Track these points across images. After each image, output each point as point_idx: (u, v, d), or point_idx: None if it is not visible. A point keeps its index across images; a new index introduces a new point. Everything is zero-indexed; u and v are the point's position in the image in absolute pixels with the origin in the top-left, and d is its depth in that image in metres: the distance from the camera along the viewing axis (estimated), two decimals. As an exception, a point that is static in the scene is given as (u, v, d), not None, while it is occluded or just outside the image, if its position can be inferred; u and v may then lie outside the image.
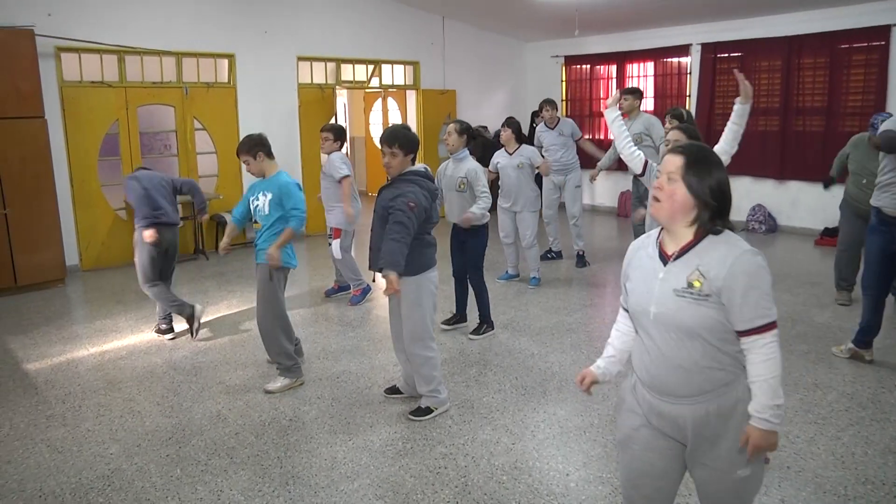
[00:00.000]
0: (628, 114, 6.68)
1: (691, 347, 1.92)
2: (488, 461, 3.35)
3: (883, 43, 8.08)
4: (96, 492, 3.15)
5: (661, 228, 2.05)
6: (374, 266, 3.83)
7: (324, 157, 6.23)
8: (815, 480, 3.11)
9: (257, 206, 4.27)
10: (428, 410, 3.84)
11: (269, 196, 4.21)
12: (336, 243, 5.94)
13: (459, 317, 5.38)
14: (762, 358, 1.88)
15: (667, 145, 3.94)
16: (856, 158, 5.56)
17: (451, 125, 5.07)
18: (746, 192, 9.29)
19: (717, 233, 1.93)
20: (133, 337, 5.30)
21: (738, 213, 9.20)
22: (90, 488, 3.18)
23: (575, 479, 3.18)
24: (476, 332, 5.17)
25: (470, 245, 5.08)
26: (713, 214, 1.92)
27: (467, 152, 5.09)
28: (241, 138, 8.33)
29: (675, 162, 1.94)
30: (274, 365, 4.43)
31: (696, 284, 1.89)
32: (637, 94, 6.88)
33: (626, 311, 2.22)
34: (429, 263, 3.80)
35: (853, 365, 4.49)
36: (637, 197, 6.55)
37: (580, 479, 3.18)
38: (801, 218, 8.95)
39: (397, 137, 3.69)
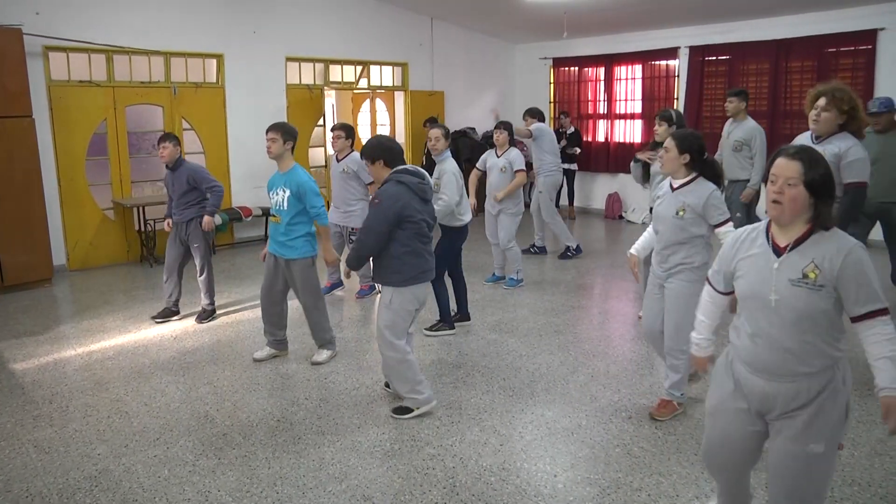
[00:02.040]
0: (733, 116, 6.29)
1: (801, 331, 2.10)
2: (476, 462, 3.36)
3: (869, 47, 8.17)
4: (83, 492, 3.14)
5: (768, 222, 2.22)
6: (379, 279, 3.83)
7: (315, 155, 6.27)
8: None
9: (276, 200, 4.53)
10: (408, 409, 3.85)
11: (288, 193, 4.45)
12: None
13: (462, 314, 5.43)
14: (881, 337, 2.05)
15: (659, 158, 3.91)
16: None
17: (438, 130, 5.19)
18: (734, 194, 9.34)
19: (827, 228, 2.10)
20: (121, 337, 5.27)
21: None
22: (77, 489, 3.17)
23: (563, 480, 3.19)
24: (431, 329, 5.23)
25: (437, 245, 4.98)
26: (830, 204, 2.10)
27: (449, 153, 5.20)
28: (229, 139, 8.42)
29: (794, 168, 2.08)
30: (262, 359, 4.76)
31: (812, 276, 2.07)
32: (743, 95, 6.26)
33: (719, 291, 2.44)
34: (411, 278, 3.72)
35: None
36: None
37: (568, 480, 3.19)
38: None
39: (364, 152, 3.86)
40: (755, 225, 2.31)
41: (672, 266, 3.57)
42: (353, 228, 6.05)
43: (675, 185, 3.58)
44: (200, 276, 5.55)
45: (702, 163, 3.52)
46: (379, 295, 6.03)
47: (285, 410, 3.97)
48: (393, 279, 3.71)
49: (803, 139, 4.20)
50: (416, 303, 3.80)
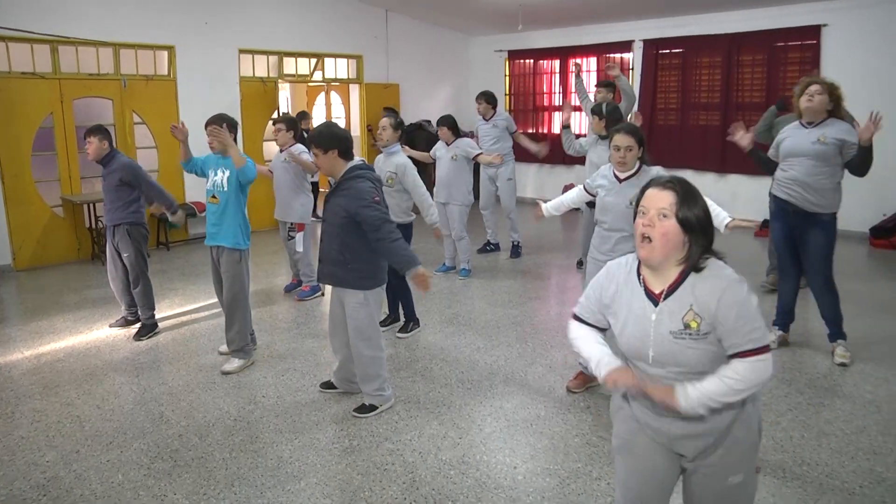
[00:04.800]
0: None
1: (692, 378, 1.89)
2: (435, 456, 3.36)
3: (815, 42, 8.41)
4: (31, 502, 3.05)
5: (639, 262, 2.01)
6: (324, 279, 3.78)
7: (269, 148, 6.21)
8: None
9: (215, 181, 4.38)
10: (372, 408, 3.83)
11: (228, 172, 4.34)
12: (300, 237, 5.94)
13: (393, 317, 5.31)
14: (740, 366, 1.85)
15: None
16: None
17: (386, 119, 5.01)
18: (688, 186, 9.52)
19: (700, 269, 1.90)
20: (72, 338, 5.13)
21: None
22: (24, 499, 3.07)
23: (522, 471, 3.22)
24: (403, 330, 5.13)
25: None
26: (704, 245, 1.90)
27: (398, 147, 5.06)
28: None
29: (666, 198, 1.89)
30: (226, 355, 4.60)
31: (693, 325, 1.87)
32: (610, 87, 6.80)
33: (588, 324, 2.17)
34: (383, 279, 3.78)
35: (791, 352, 4.66)
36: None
37: (527, 471, 3.22)
38: (741, 210, 9.21)
39: (312, 138, 3.67)
40: (628, 261, 2.08)
41: (620, 254, 3.64)
42: (291, 224, 6.00)
43: (622, 177, 3.69)
44: (135, 288, 5.12)
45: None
46: (321, 296, 6.06)
47: (242, 409, 3.91)
48: (367, 284, 3.67)
49: (793, 126, 4.44)
50: (381, 292, 3.81)
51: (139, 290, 5.14)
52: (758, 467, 2.06)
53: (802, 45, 8.55)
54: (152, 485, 3.15)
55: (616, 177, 3.71)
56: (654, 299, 1.94)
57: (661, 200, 1.89)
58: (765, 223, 8.52)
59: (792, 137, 4.40)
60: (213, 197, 4.42)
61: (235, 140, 4.52)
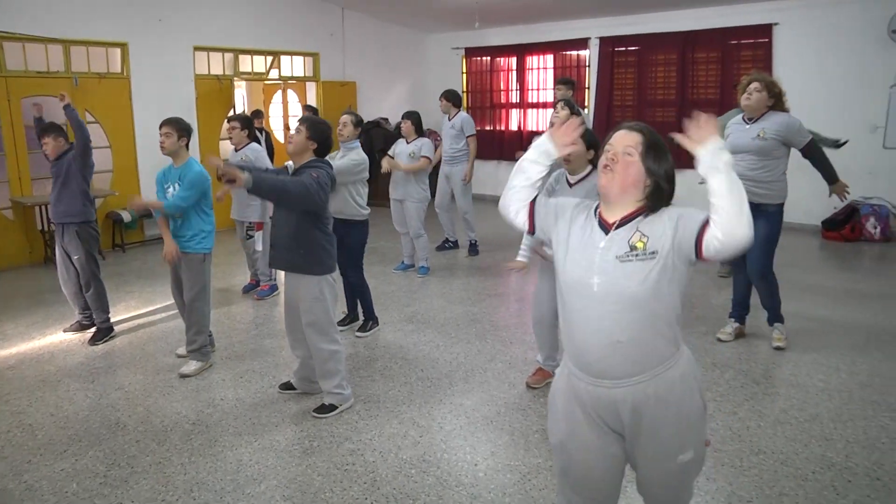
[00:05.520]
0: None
1: (631, 319, 1.87)
2: (396, 455, 3.37)
3: (767, 40, 8.63)
4: (-18, 512, 2.98)
5: (598, 203, 2.03)
6: (275, 264, 3.84)
7: (226, 146, 6.16)
8: (714, 455, 3.29)
9: (170, 193, 4.37)
10: (332, 407, 3.82)
11: (178, 186, 4.32)
12: (258, 236, 5.90)
13: (352, 316, 5.29)
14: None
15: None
16: None
17: (347, 116, 5.05)
18: (645, 181, 9.69)
19: (657, 210, 1.92)
20: (23, 344, 5.01)
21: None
22: (-25, 509, 3.01)
23: (483, 468, 3.25)
24: (363, 329, 5.12)
25: (348, 241, 4.86)
26: (665, 197, 1.93)
27: (358, 143, 5.08)
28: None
29: (633, 138, 1.93)
30: (184, 358, 4.53)
31: (640, 245, 1.87)
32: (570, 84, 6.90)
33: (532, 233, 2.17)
34: (334, 266, 3.79)
35: (747, 343, 4.79)
36: None
37: (488, 468, 3.25)
38: (698, 205, 9.37)
39: (307, 119, 3.78)
40: (588, 202, 2.11)
41: None
42: (250, 223, 5.95)
43: (573, 181, 3.66)
44: (87, 291, 5.00)
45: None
46: (280, 294, 6.02)
47: (201, 413, 3.87)
48: (318, 269, 3.70)
49: (736, 121, 4.60)
50: (334, 280, 3.81)
51: (91, 294, 5.03)
52: (707, 441, 2.06)
53: (755, 43, 8.78)
54: (108, 493, 3.10)
55: (567, 181, 3.72)
56: (606, 229, 1.95)
57: (627, 139, 1.93)
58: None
59: (734, 134, 4.54)
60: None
61: (189, 143, 4.48)
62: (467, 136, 7.31)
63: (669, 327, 1.92)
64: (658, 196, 1.92)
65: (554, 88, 7.37)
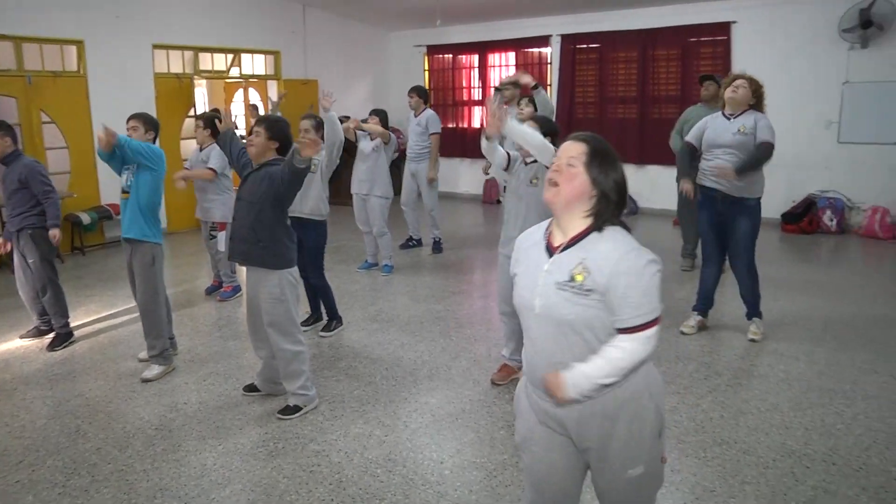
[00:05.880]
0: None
1: (571, 343, 1.85)
2: (362, 455, 3.37)
3: (725, 38, 8.79)
4: (-66, 527, 2.90)
5: (551, 221, 2.01)
6: (234, 257, 3.81)
7: (189, 146, 6.09)
8: (679, 447, 3.36)
9: (127, 175, 4.30)
10: (297, 409, 3.80)
11: (135, 166, 4.25)
12: (222, 236, 5.82)
13: (316, 316, 5.27)
14: (626, 344, 1.80)
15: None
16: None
17: (307, 121, 5.03)
18: (608, 177, 9.79)
19: (602, 229, 1.88)
20: (-23, 351, 4.89)
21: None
22: (-73, 523, 2.92)
23: (449, 465, 3.26)
24: (326, 329, 5.10)
25: (307, 243, 4.83)
26: (613, 209, 1.89)
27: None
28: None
29: (577, 148, 1.90)
30: (146, 362, 4.45)
31: (578, 278, 1.82)
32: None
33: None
34: (293, 260, 3.78)
35: (709, 336, 4.89)
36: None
37: (454, 465, 3.26)
38: (660, 200, 9.54)
39: (265, 120, 3.76)
40: (541, 224, 2.08)
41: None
42: (213, 223, 5.89)
43: (528, 161, 3.85)
44: (43, 296, 4.88)
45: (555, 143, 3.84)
46: (243, 295, 5.95)
47: (164, 417, 3.82)
48: (277, 262, 3.68)
49: (716, 116, 4.66)
50: (295, 280, 3.79)
51: (48, 299, 4.91)
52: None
53: (714, 40, 8.94)
54: None
55: (523, 160, 3.88)
56: (552, 252, 1.93)
57: (572, 150, 1.91)
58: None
59: (714, 128, 4.61)
60: (124, 192, 4.34)
61: (156, 138, 4.46)
62: (431, 134, 7.32)
63: None
64: (605, 208, 1.88)
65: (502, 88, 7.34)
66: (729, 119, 4.56)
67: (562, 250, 1.90)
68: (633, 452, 1.92)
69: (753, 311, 4.85)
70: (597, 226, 1.88)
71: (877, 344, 4.69)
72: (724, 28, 8.77)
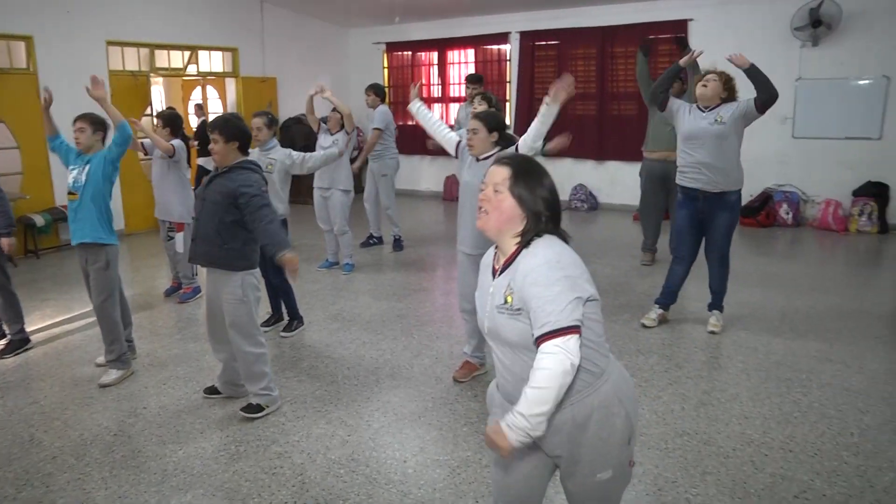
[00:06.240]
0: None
1: (525, 361, 1.86)
2: (325, 456, 3.34)
3: (683, 35, 8.87)
4: None
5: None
6: (196, 259, 3.73)
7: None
8: (641, 440, 3.39)
9: (75, 177, 4.17)
10: (259, 408, 3.76)
11: (88, 167, 4.13)
12: (180, 237, 5.74)
13: (277, 317, 5.22)
14: (543, 361, 1.74)
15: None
16: None
17: (258, 119, 4.98)
18: (568, 173, 9.89)
19: (529, 244, 1.89)
20: (-76, 360, 4.72)
21: (562, 192, 9.77)
22: None
23: (412, 464, 3.25)
24: (287, 329, 5.06)
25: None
26: (546, 223, 1.91)
27: (275, 141, 5.09)
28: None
29: (501, 173, 1.92)
30: (103, 367, 4.36)
31: (509, 300, 1.85)
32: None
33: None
34: (256, 262, 3.74)
35: (670, 329, 4.96)
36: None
37: (417, 464, 3.26)
38: (620, 195, 9.66)
39: (217, 125, 3.65)
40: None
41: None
42: (171, 224, 5.80)
43: (480, 158, 3.85)
44: None
45: (504, 137, 3.86)
46: (203, 296, 5.87)
47: (122, 423, 3.74)
48: (239, 264, 3.64)
49: (694, 109, 4.72)
50: (257, 281, 3.75)
51: (1, 305, 4.78)
52: (631, 461, 2.04)
53: (672, 38, 9.01)
54: (22, 512, 2.97)
55: (476, 158, 3.87)
56: (493, 274, 1.98)
57: (496, 175, 1.93)
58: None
59: (690, 122, 4.68)
60: (72, 193, 4.21)
61: (105, 138, 4.35)
62: (373, 128, 7.26)
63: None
64: (536, 226, 1.90)
65: (466, 85, 7.53)
66: (704, 112, 4.64)
67: (500, 273, 1.94)
68: (602, 458, 1.94)
69: (717, 302, 4.94)
70: (524, 243, 1.90)
71: (830, 333, 4.82)
72: (681, 26, 8.89)
